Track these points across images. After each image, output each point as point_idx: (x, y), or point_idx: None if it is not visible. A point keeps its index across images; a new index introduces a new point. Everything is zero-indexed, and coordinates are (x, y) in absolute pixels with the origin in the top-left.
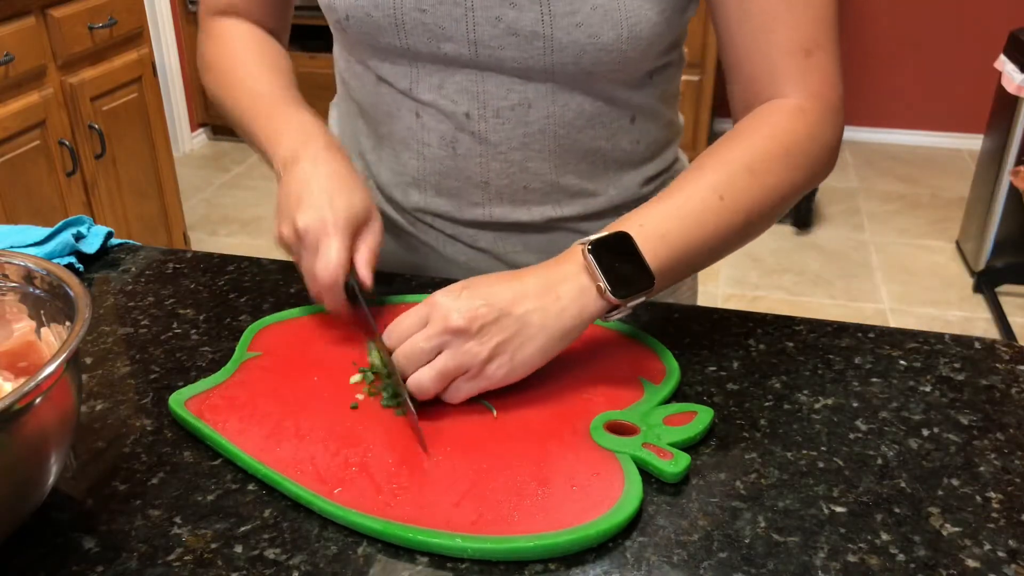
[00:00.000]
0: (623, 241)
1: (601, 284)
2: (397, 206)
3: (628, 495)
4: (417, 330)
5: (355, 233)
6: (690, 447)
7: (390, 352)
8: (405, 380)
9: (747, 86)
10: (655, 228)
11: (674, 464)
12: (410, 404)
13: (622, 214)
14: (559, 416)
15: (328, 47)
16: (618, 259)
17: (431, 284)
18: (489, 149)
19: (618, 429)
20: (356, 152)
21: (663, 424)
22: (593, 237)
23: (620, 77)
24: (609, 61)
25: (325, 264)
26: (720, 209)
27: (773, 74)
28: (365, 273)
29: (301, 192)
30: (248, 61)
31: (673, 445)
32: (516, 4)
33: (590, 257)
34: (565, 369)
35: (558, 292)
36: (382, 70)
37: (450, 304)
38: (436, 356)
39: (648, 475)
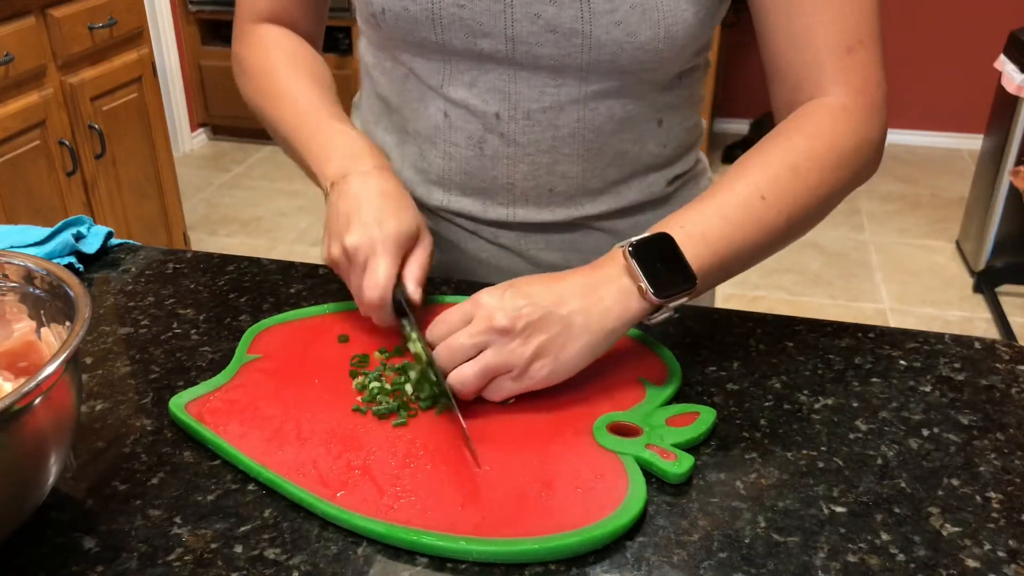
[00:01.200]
0: (664, 242)
1: (643, 285)
2: (419, 203)
3: (632, 497)
4: (460, 327)
5: (404, 251)
6: (692, 447)
7: (432, 347)
8: (446, 376)
9: (789, 85)
10: (696, 229)
11: (678, 465)
12: (454, 404)
13: (646, 212)
14: (562, 418)
15: (330, 48)
16: (659, 260)
17: (467, 287)
18: (517, 151)
19: (621, 430)
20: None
21: (666, 425)
22: (634, 239)
23: (652, 78)
24: (645, 60)
25: (374, 283)
26: (762, 209)
27: (815, 72)
28: (413, 289)
29: (350, 211)
30: (289, 72)
31: (676, 446)
32: (556, 1)
33: (631, 259)
34: None
35: (600, 293)
36: (414, 65)
37: (494, 303)
38: (478, 354)
39: (650, 475)
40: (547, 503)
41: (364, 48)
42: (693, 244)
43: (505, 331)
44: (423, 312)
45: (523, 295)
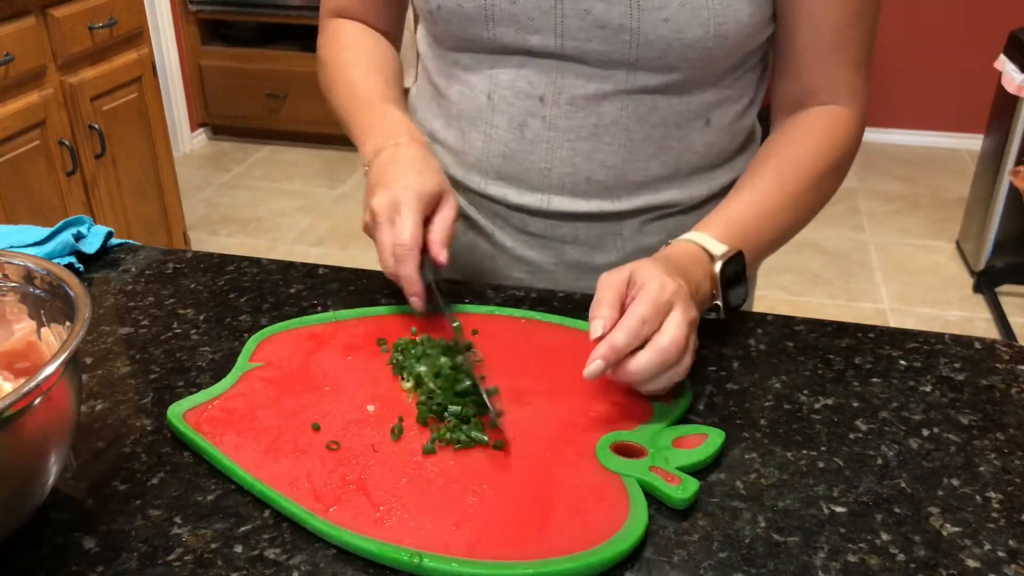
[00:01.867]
0: (738, 260)
1: (719, 303)
2: (458, 185)
3: (632, 522)
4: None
5: (428, 208)
6: (698, 471)
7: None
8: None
9: (805, 86)
10: (751, 246)
11: (682, 490)
12: (493, 410)
13: (677, 215)
14: (566, 436)
15: None
16: (732, 279)
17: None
18: (558, 136)
19: (626, 451)
20: (427, 132)
21: (672, 447)
22: (720, 254)
23: (701, 76)
24: (694, 58)
25: (399, 235)
26: (792, 219)
27: (835, 82)
28: (438, 250)
29: (378, 180)
30: (352, 61)
31: (681, 469)
32: None
33: (719, 277)
34: (574, 386)
35: (698, 287)
36: (464, 56)
37: (654, 272)
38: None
39: (653, 498)
40: (545, 526)
41: (420, 36)
42: (748, 256)
43: (675, 296)
44: (453, 319)
45: (663, 271)
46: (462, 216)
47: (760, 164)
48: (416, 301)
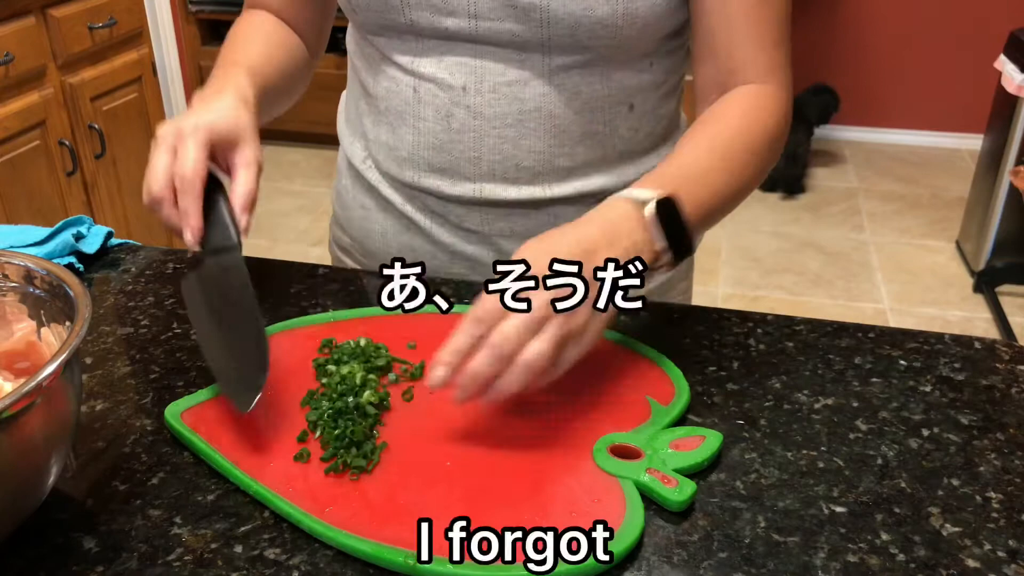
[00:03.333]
0: (674, 209)
1: (663, 245)
2: (393, 181)
3: (628, 525)
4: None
5: (218, 148)
6: (695, 473)
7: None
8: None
9: (724, 68)
10: (691, 199)
11: (678, 492)
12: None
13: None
14: (562, 437)
15: (331, 48)
16: (671, 224)
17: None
18: (483, 124)
19: (622, 452)
20: (359, 133)
21: (669, 449)
22: (650, 199)
23: (618, 57)
24: (605, 36)
25: (181, 165)
26: (726, 181)
27: (751, 64)
28: (240, 214)
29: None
30: (245, 38)
31: (678, 471)
32: None
33: (656, 225)
34: (571, 387)
35: (625, 244)
36: (387, 47)
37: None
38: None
39: (650, 501)
40: (539, 526)
41: (348, 37)
42: (690, 210)
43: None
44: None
45: (551, 251)
46: (399, 214)
47: (688, 136)
48: (190, 236)
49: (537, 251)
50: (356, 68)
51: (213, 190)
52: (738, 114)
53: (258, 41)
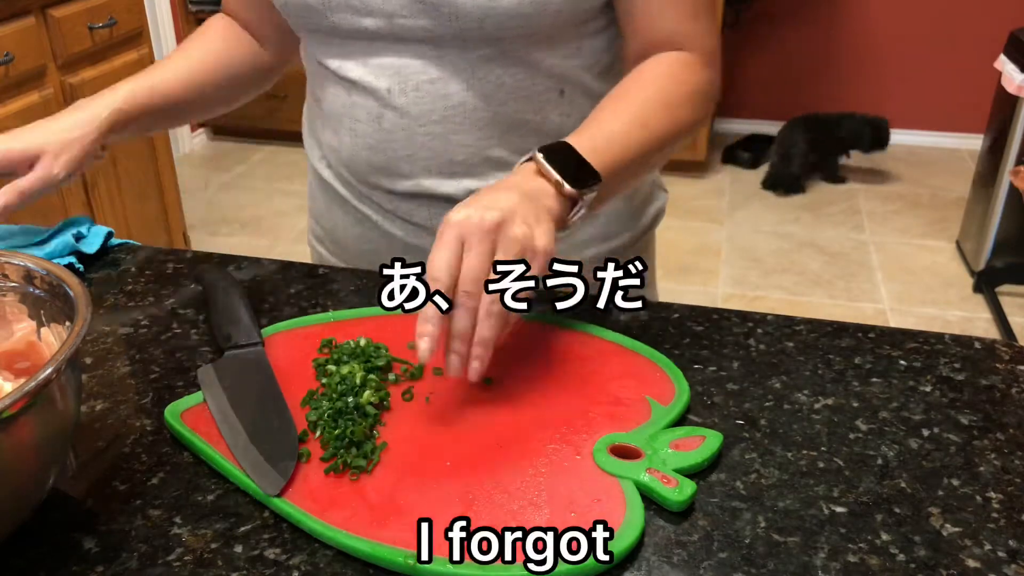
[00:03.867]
0: (566, 148)
1: (557, 178)
2: (343, 180)
3: (628, 525)
4: (457, 255)
5: (15, 165)
6: (695, 473)
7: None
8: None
9: (645, 41)
10: (588, 143)
11: (678, 492)
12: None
13: None
14: (562, 437)
15: None
16: (564, 161)
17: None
18: (411, 123)
19: (623, 452)
20: (314, 138)
21: (669, 449)
22: (538, 148)
23: (540, 46)
24: (515, 26)
25: None
26: (642, 136)
27: (671, 37)
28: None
29: None
30: (180, 49)
31: (678, 471)
32: None
33: (542, 160)
34: (570, 387)
35: (534, 194)
36: (320, 52)
37: (472, 212)
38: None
39: (650, 501)
40: (539, 526)
41: (301, 51)
42: (588, 154)
43: (499, 224)
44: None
45: (482, 200)
46: (354, 210)
47: (604, 99)
48: None
49: (461, 208)
50: (309, 78)
51: (230, 289)
52: (657, 72)
53: (177, 59)
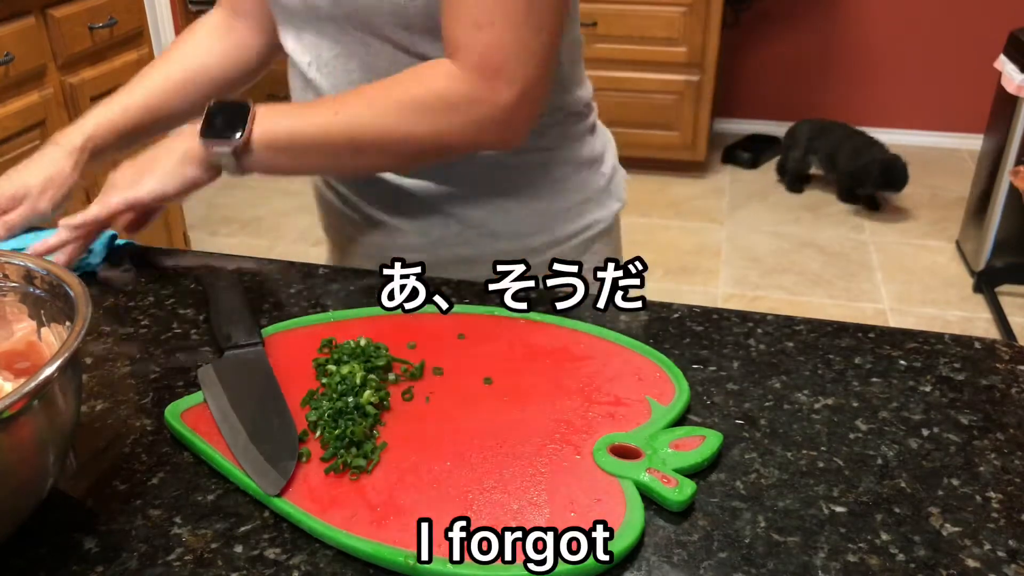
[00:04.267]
0: (240, 109)
1: (198, 128)
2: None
3: (628, 524)
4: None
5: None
6: (695, 473)
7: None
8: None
9: (445, 44)
10: (268, 109)
11: (678, 492)
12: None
13: (460, 169)
14: (562, 437)
15: None
16: (224, 117)
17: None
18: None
19: (623, 452)
20: None
21: (669, 449)
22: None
23: (420, 34)
24: (391, 13)
25: None
26: (330, 122)
27: (450, 41)
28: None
29: None
30: (162, 58)
31: (678, 471)
32: None
33: (209, 104)
34: (570, 386)
35: (171, 145)
36: (280, 31)
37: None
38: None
39: (650, 501)
40: (539, 526)
41: None
42: (261, 119)
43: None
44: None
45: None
46: (331, 191)
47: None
48: None
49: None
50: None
51: (230, 289)
52: (389, 79)
53: (153, 73)
